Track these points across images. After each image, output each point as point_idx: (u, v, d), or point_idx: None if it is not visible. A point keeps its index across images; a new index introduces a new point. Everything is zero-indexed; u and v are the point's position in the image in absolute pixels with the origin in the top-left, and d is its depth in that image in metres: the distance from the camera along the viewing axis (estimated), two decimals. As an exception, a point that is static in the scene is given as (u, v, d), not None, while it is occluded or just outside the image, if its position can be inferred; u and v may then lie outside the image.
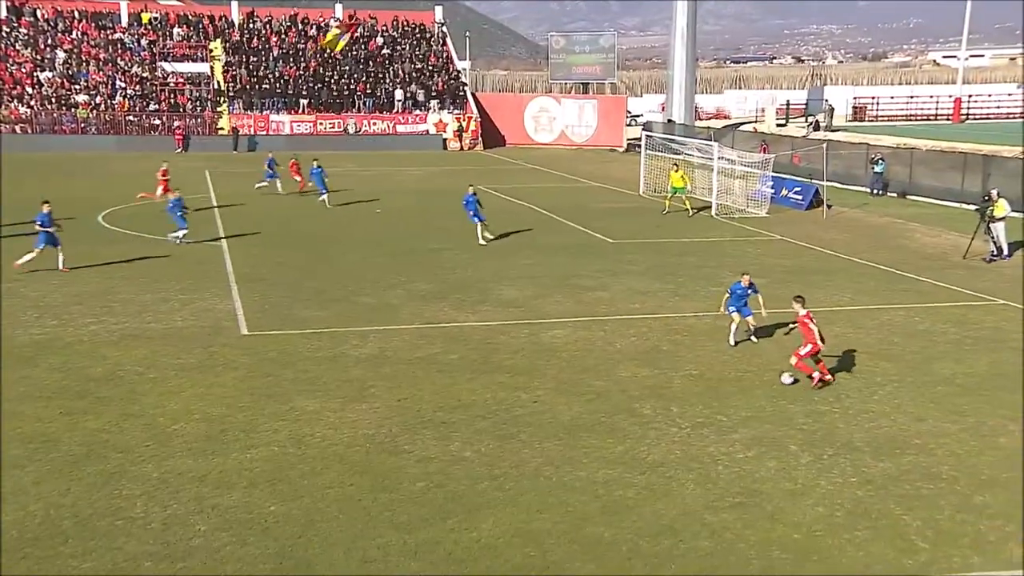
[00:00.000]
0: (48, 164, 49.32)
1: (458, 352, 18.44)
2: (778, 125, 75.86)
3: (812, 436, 14.53)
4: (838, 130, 70.02)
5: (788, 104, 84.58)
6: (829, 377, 16.79)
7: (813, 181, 39.19)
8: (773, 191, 38.74)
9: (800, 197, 38.69)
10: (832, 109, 75.36)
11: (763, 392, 16.48)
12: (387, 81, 66.98)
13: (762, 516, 11.92)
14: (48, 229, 24.40)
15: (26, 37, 64.30)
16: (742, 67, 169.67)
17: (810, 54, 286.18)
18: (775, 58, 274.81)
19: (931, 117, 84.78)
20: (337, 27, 63.77)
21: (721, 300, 19.61)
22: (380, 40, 70.50)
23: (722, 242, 31.03)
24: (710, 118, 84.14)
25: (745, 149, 43.94)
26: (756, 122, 77.37)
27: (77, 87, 61.66)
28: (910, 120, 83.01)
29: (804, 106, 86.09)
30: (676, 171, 36.13)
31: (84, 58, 63.91)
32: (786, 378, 16.80)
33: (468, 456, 13.57)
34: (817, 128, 70.21)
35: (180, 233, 28.50)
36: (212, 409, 15.19)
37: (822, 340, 16.53)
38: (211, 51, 67.00)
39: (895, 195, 42.02)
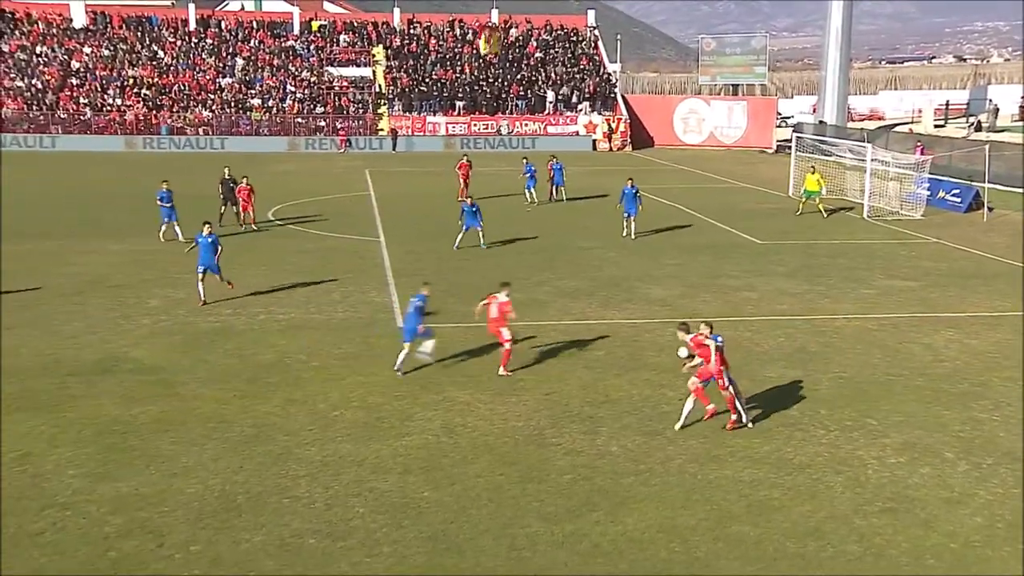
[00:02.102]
0: (225, 162, 51.76)
1: (605, 348, 18.38)
2: (936, 126, 72.27)
3: (970, 444, 13.81)
4: (1003, 130, 66.15)
5: (947, 104, 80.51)
6: (711, 407, 14.11)
7: (973, 183, 37.18)
8: (929, 193, 36.98)
9: (958, 199, 36.79)
10: (996, 109, 71.34)
11: (914, 397, 15.78)
12: (539, 83, 67.39)
13: (915, 523, 11.42)
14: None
15: (211, 46, 67.86)
16: (898, 67, 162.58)
17: (973, 52, 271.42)
18: (934, 57, 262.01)
19: (1110, 116, 78.98)
20: (488, 35, 64.95)
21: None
22: (534, 43, 71.00)
23: (873, 244, 29.83)
24: (863, 119, 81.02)
25: (900, 150, 42.09)
26: (912, 123, 73.98)
27: (252, 92, 64.64)
28: (1085, 120, 77.62)
29: (965, 106, 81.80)
30: (812, 173, 34.85)
31: (260, 64, 66.97)
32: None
33: (614, 451, 13.53)
34: (979, 128, 66.54)
35: (480, 234, 28.08)
36: (370, 397, 15.65)
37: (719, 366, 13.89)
38: (373, 56, 69.03)
39: (1064, 198, 39.36)
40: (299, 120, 63.22)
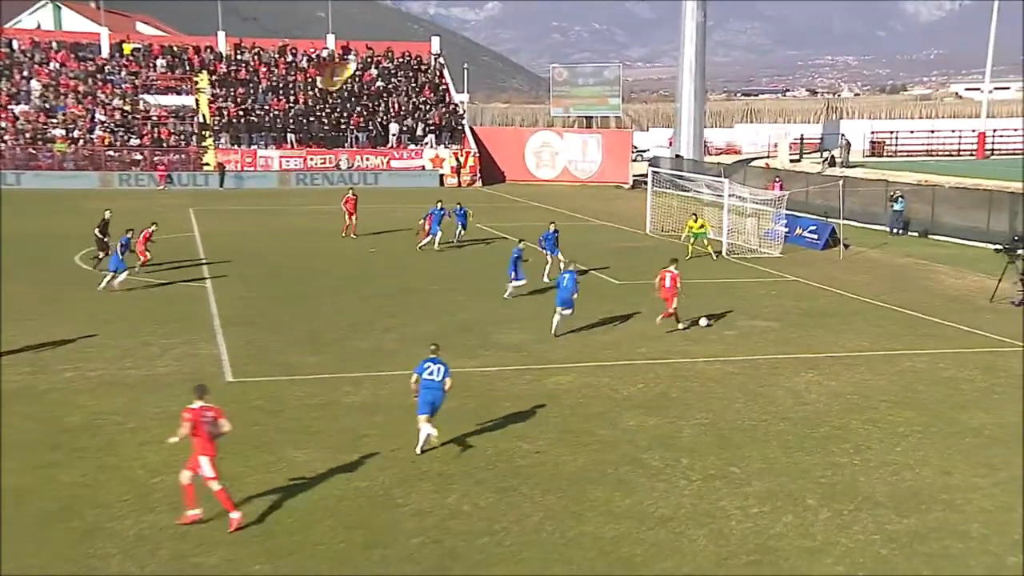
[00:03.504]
0: (22, 201, 49.55)
1: (457, 399, 18.35)
2: (792, 160, 76.26)
3: (831, 490, 14.49)
4: (855, 166, 70.38)
5: (802, 139, 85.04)
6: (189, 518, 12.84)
7: (829, 219, 39.36)
8: (787, 230, 38.92)
9: (816, 236, 38.86)
10: (848, 144, 75.75)
11: (778, 443, 16.46)
12: (381, 115, 67.51)
13: (778, 575, 11.86)
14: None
15: (0, 68, 64.89)
16: (753, 100, 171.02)
17: (825, 86, 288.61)
18: (788, 90, 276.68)
19: (954, 152, 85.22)
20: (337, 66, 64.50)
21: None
22: (374, 72, 71.14)
23: (734, 284, 31.11)
24: (720, 153, 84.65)
25: (757, 186, 44.21)
26: (769, 157, 77.83)
27: (54, 121, 62.15)
28: (931, 155, 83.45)
29: (819, 140, 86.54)
30: (695, 220, 35.51)
31: (62, 90, 64.48)
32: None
33: (466, 510, 13.54)
34: (832, 164, 70.59)
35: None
36: (195, 460, 15.15)
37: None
38: (196, 83, 67.58)
39: (916, 234, 42.21)
40: (111, 153, 61.07)
